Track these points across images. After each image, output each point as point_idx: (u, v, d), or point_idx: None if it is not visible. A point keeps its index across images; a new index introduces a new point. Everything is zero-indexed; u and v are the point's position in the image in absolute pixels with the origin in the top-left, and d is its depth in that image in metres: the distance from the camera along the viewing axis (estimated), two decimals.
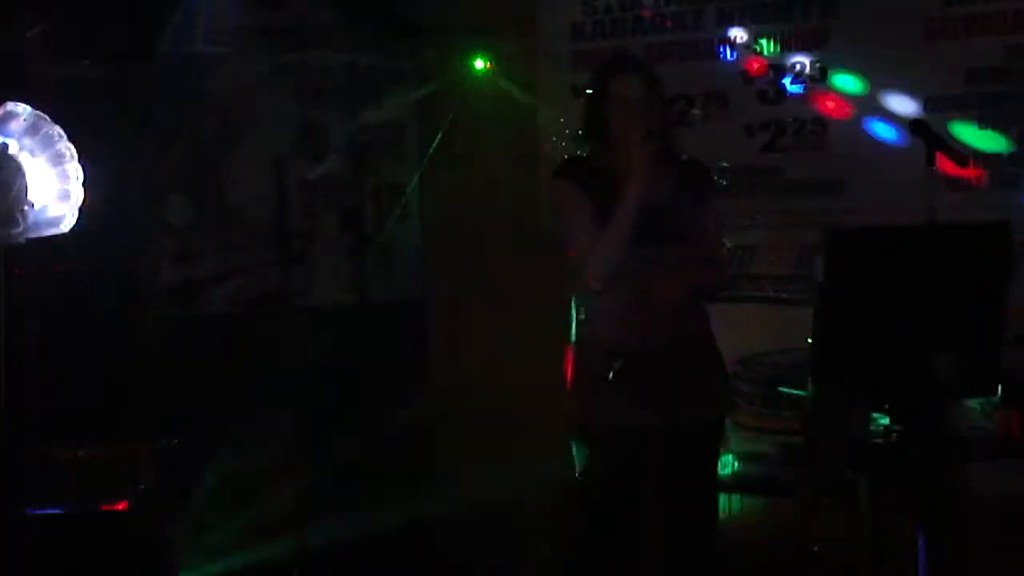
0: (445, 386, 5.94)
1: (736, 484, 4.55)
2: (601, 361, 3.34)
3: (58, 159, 3.41)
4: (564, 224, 3.39)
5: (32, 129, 3.39)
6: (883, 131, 5.07)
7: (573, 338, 3.47)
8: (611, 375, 3.29)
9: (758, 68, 5.33)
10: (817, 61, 5.20)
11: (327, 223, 5.87)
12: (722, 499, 3.57)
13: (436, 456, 5.73)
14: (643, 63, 3.48)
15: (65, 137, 3.46)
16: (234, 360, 5.32)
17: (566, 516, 3.88)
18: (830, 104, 5.20)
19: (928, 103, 4.96)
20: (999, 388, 3.19)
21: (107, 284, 5.21)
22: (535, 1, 5.87)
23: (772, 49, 5.30)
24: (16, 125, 3.38)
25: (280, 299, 5.62)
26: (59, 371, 4.73)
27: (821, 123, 5.25)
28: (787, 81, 5.27)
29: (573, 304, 3.48)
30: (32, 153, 3.38)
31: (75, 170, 3.45)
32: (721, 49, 5.39)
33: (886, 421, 3.19)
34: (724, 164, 5.07)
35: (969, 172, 4.81)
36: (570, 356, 3.45)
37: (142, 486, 4.31)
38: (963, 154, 4.25)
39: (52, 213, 3.44)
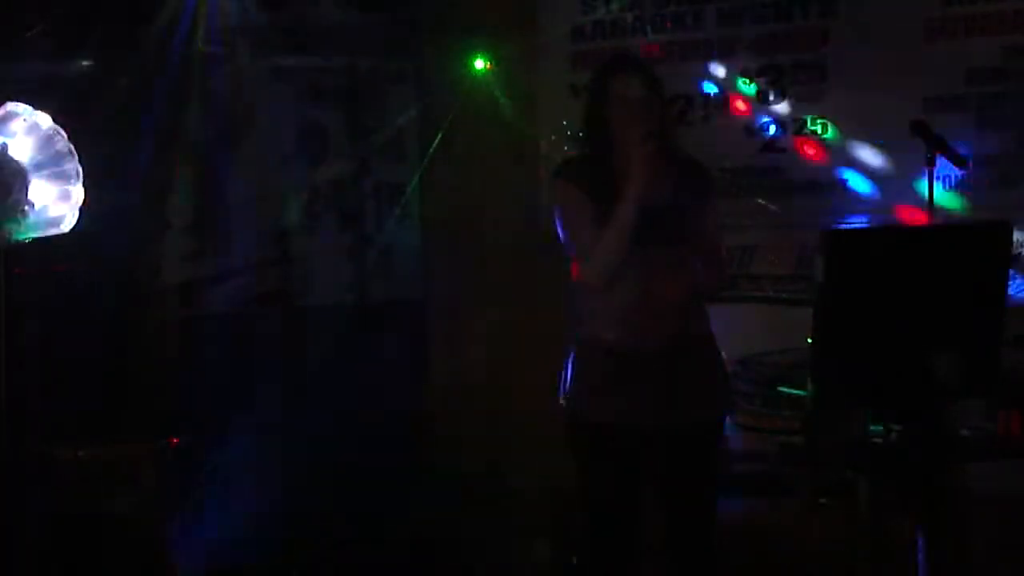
0: (445, 386, 5.93)
1: (736, 484, 4.55)
2: (601, 361, 3.34)
3: (58, 159, 3.42)
4: (564, 224, 3.39)
5: (33, 129, 3.40)
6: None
7: (573, 338, 3.47)
8: (609, 375, 3.29)
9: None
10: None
11: (327, 223, 5.87)
12: (722, 499, 3.56)
13: (436, 456, 5.73)
14: (643, 63, 3.48)
15: (65, 137, 3.47)
16: (234, 360, 5.33)
17: (566, 516, 3.88)
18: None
19: (927, 103, 4.96)
20: (999, 388, 3.19)
21: (107, 284, 5.21)
22: (535, 1, 5.87)
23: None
24: (16, 125, 3.39)
25: (280, 299, 5.63)
26: (59, 371, 4.74)
27: (822, 123, 5.25)
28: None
29: (573, 304, 3.48)
30: (32, 153, 3.39)
31: (75, 170, 3.46)
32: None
33: (886, 421, 3.19)
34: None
35: (968, 172, 4.82)
36: (570, 356, 3.45)
37: (142, 486, 4.31)
38: (962, 154, 4.25)
39: (52, 213, 3.45)
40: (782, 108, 5.33)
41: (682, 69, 5.42)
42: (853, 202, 5.16)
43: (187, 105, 5.52)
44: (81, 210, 3.49)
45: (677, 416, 3.30)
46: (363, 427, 5.49)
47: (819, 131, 5.21)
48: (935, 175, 4.16)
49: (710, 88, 5.42)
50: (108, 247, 5.03)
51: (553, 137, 5.63)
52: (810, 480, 4.16)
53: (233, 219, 5.67)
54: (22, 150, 3.38)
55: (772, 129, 5.32)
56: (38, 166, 3.40)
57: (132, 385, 5.20)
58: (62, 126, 3.49)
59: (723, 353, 3.50)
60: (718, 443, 3.52)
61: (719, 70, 5.42)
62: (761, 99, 5.36)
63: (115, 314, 5.25)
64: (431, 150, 5.79)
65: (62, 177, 3.41)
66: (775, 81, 5.33)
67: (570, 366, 3.44)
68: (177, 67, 5.40)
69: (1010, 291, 3.24)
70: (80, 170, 3.45)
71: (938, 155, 4.07)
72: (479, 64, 5.78)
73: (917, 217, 4.72)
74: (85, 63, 5.25)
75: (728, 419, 3.61)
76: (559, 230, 3.40)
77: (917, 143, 4.15)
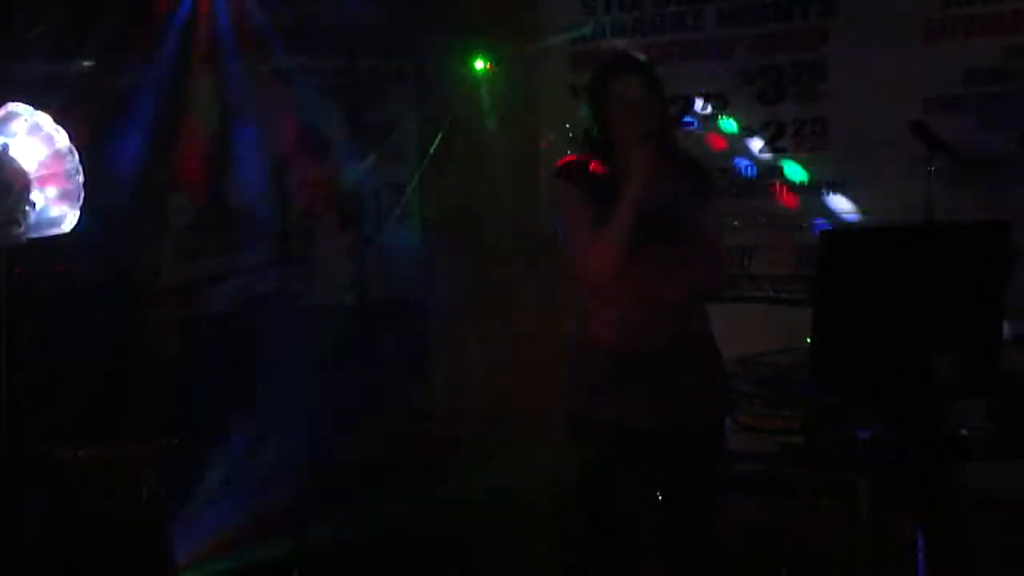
0: (445, 386, 5.94)
1: (736, 484, 4.55)
2: (601, 361, 3.34)
3: (59, 159, 3.42)
4: (564, 224, 3.38)
5: (34, 129, 3.40)
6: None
7: (573, 338, 3.47)
8: (609, 375, 3.29)
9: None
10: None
11: (327, 223, 5.87)
12: (722, 499, 3.56)
13: (436, 456, 5.73)
14: (644, 63, 3.48)
15: (66, 137, 3.47)
16: (234, 360, 5.33)
17: (566, 516, 3.88)
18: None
19: (927, 103, 4.97)
20: (999, 388, 3.19)
21: (107, 284, 5.21)
22: (535, 1, 5.87)
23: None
24: (17, 125, 3.39)
25: (280, 299, 5.63)
26: (59, 371, 4.74)
27: (821, 123, 5.26)
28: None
29: (573, 304, 3.48)
30: (33, 153, 3.39)
31: (76, 170, 3.46)
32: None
33: (886, 421, 3.20)
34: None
35: (967, 172, 4.82)
36: (570, 356, 3.45)
37: (142, 486, 4.31)
38: (961, 154, 4.25)
39: (53, 213, 3.45)
40: (782, 108, 5.34)
41: (682, 69, 5.42)
42: (852, 202, 5.17)
43: (187, 105, 5.52)
44: (81, 210, 3.49)
45: (677, 417, 3.30)
46: (363, 427, 5.49)
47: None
48: (934, 175, 4.17)
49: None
50: (108, 247, 5.03)
51: (553, 137, 5.63)
52: (810, 480, 4.16)
53: (233, 219, 5.67)
54: (23, 150, 3.38)
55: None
56: (39, 166, 3.40)
57: (132, 385, 5.20)
58: (62, 126, 3.49)
59: (723, 353, 3.50)
60: (718, 444, 3.52)
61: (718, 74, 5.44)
62: (760, 100, 5.37)
63: (115, 314, 5.25)
64: (431, 150, 5.79)
65: (63, 177, 3.41)
66: (775, 81, 5.34)
67: (570, 366, 3.44)
68: (177, 67, 5.40)
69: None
70: (81, 170, 3.45)
71: (937, 155, 4.08)
72: (479, 64, 5.78)
73: (916, 217, 4.72)
74: (85, 63, 5.25)
75: (728, 419, 3.60)
76: (559, 230, 3.40)
77: (917, 143, 4.16)
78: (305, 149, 5.85)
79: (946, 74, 4.97)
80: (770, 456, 4.09)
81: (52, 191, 3.42)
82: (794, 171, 5.30)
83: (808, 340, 3.09)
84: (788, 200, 5.29)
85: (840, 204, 5.19)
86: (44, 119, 3.44)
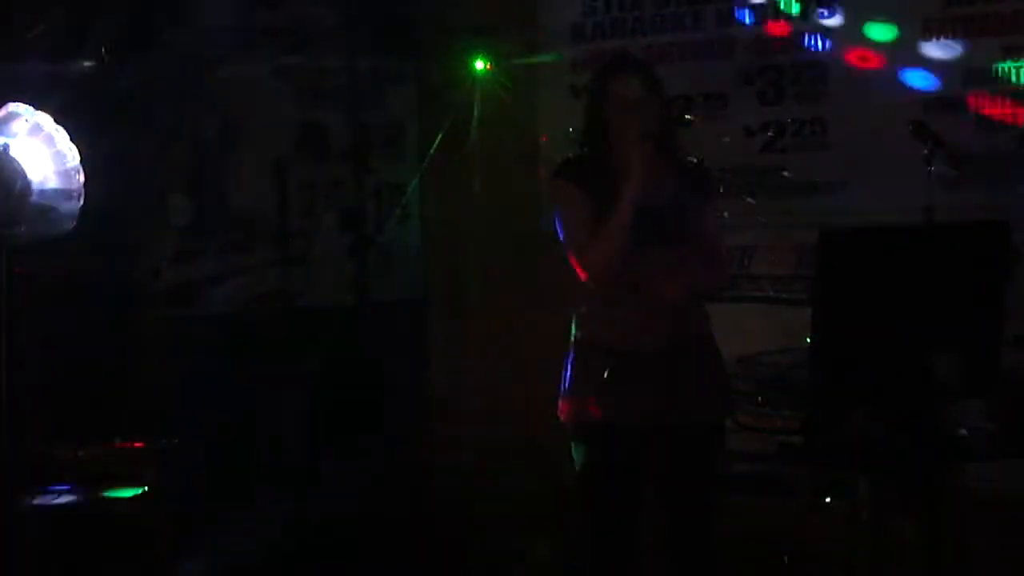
0: (445, 386, 5.94)
1: (736, 484, 4.54)
2: (600, 361, 3.34)
3: (59, 159, 3.42)
4: (563, 224, 3.39)
5: (34, 130, 3.40)
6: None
7: (573, 338, 3.47)
8: (606, 375, 3.29)
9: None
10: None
11: (327, 223, 5.87)
12: (722, 499, 3.56)
13: (436, 456, 5.73)
14: (644, 63, 3.48)
15: (67, 137, 3.47)
16: (234, 360, 5.32)
17: (566, 516, 3.88)
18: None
19: (927, 103, 4.96)
20: (999, 388, 3.19)
21: (107, 284, 5.21)
22: (535, 1, 5.87)
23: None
24: (18, 126, 3.39)
25: (280, 299, 5.63)
26: (59, 371, 4.73)
27: (821, 123, 5.26)
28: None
29: (573, 304, 3.48)
30: (34, 153, 3.39)
31: (76, 170, 3.46)
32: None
33: (886, 421, 3.19)
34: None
35: (967, 172, 4.82)
36: (570, 356, 3.46)
37: (142, 486, 4.31)
38: (961, 154, 4.25)
39: (53, 214, 3.45)
40: (782, 108, 5.33)
41: (682, 69, 5.42)
42: (852, 202, 5.16)
43: (187, 105, 5.52)
44: (81, 210, 3.49)
45: (677, 416, 3.31)
46: (363, 427, 5.49)
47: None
48: (934, 175, 4.17)
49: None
50: (108, 247, 5.03)
51: (553, 137, 5.63)
52: (810, 480, 4.16)
53: (233, 219, 5.67)
54: (23, 150, 3.38)
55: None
56: (39, 166, 3.40)
57: (132, 385, 5.19)
58: (62, 126, 3.49)
59: (723, 353, 3.50)
60: (718, 444, 3.52)
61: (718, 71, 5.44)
62: (760, 100, 5.37)
63: (115, 314, 5.25)
64: (431, 150, 5.79)
65: (63, 177, 3.41)
66: (775, 81, 5.33)
67: (570, 366, 3.44)
68: (177, 67, 5.40)
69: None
70: (81, 170, 3.45)
71: (937, 155, 4.07)
72: (479, 64, 5.78)
73: (916, 217, 4.72)
74: (85, 63, 5.24)
75: (728, 419, 3.61)
76: (558, 230, 3.41)
77: (916, 143, 4.15)
78: (305, 149, 5.85)
79: (946, 74, 4.97)
80: (770, 456, 4.08)
81: (52, 191, 3.42)
82: (794, 170, 5.30)
83: (808, 340, 3.09)
84: (788, 200, 5.29)
85: (840, 204, 5.18)
86: (44, 119, 3.44)
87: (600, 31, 5.71)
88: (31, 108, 3.43)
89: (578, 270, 3.37)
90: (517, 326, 5.55)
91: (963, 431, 3.33)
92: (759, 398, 4.36)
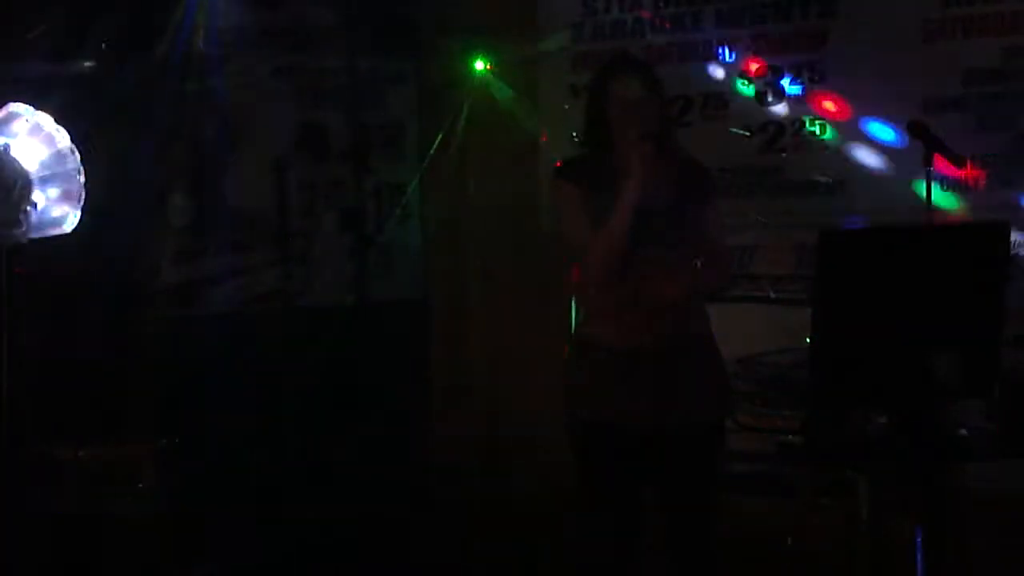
0: (445, 386, 5.94)
1: (736, 484, 4.54)
2: (600, 361, 3.34)
3: (59, 159, 3.42)
4: (564, 225, 3.39)
5: (34, 130, 3.40)
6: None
7: (573, 338, 3.47)
8: (608, 375, 3.30)
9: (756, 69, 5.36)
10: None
11: (327, 223, 5.87)
12: (722, 499, 3.56)
13: (436, 456, 5.73)
14: (644, 64, 3.48)
15: (67, 137, 3.47)
16: (234, 360, 5.33)
17: (566, 516, 3.88)
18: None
19: (926, 104, 4.97)
20: (999, 388, 3.19)
21: (107, 284, 5.22)
22: (535, 1, 5.87)
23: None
24: (19, 126, 3.39)
25: (280, 299, 5.63)
26: (59, 371, 4.74)
27: (821, 123, 5.26)
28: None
29: (573, 304, 3.48)
30: (34, 154, 3.39)
31: (76, 170, 3.46)
32: (719, 50, 5.41)
33: (886, 421, 3.19)
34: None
35: (967, 172, 4.82)
36: (570, 355, 3.46)
37: (142, 486, 4.31)
38: (961, 155, 4.25)
39: (54, 214, 3.45)
40: (781, 109, 5.34)
41: (682, 70, 5.43)
42: (852, 202, 5.17)
43: (187, 105, 5.52)
44: (82, 210, 3.49)
45: (677, 417, 3.31)
46: (363, 427, 5.49)
47: (817, 132, 5.24)
48: (933, 175, 4.17)
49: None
50: (108, 247, 5.03)
51: (553, 137, 5.63)
52: (810, 480, 4.17)
53: (233, 219, 5.67)
54: (24, 151, 3.38)
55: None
56: (39, 167, 3.40)
57: (132, 385, 5.20)
58: (62, 126, 3.49)
59: (723, 353, 3.50)
60: (718, 444, 3.52)
61: (718, 71, 5.44)
62: (760, 100, 5.37)
63: (115, 314, 5.25)
64: (431, 150, 5.79)
65: (63, 177, 3.41)
66: (775, 81, 5.34)
67: (570, 366, 3.44)
68: (177, 67, 5.40)
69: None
70: (81, 170, 3.45)
71: (936, 155, 4.07)
72: (479, 64, 5.79)
73: (916, 217, 4.72)
74: (85, 63, 5.25)
75: (728, 419, 3.61)
76: (559, 230, 3.41)
77: (916, 143, 4.15)
78: (305, 149, 5.85)
79: (945, 74, 4.97)
80: (770, 456, 4.08)
81: (53, 191, 3.42)
82: (793, 171, 5.31)
83: (808, 340, 3.09)
84: (788, 200, 5.29)
85: (840, 204, 5.18)
86: (45, 119, 3.44)
87: (600, 31, 5.71)
88: (31, 108, 3.43)
89: (578, 270, 3.37)
90: (517, 326, 5.56)
91: (963, 431, 3.32)
92: (759, 398, 4.37)
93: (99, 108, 5.02)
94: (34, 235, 3.41)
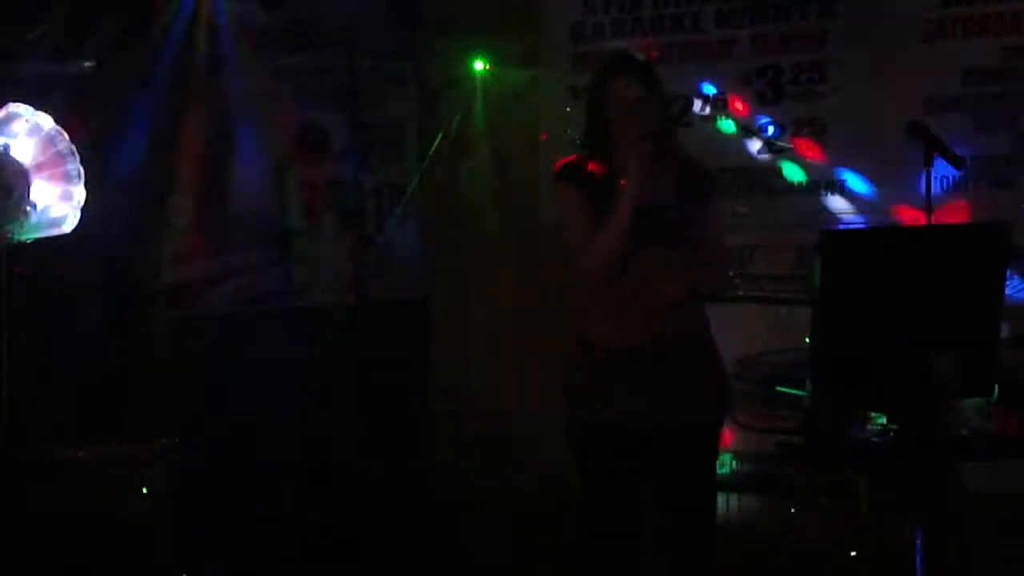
0: (445, 386, 5.94)
1: (736, 484, 4.56)
2: (600, 361, 3.34)
3: (60, 160, 3.42)
4: (564, 225, 3.39)
5: (34, 130, 3.40)
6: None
7: (573, 338, 3.47)
8: (607, 375, 3.30)
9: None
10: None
11: (327, 223, 5.87)
12: (722, 499, 3.56)
13: (435, 455, 5.73)
14: (644, 64, 3.48)
15: (67, 138, 3.47)
16: (233, 360, 5.33)
17: (566, 516, 3.88)
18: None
19: (926, 104, 4.97)
20: (998, 388, 3.19)
21: (107, 284, 5.22)
22: (535, 2, 5.87)
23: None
24: (18, 126, 3.39)
25: (280, 299, 5.63)
26: (59, 371, 4.74)
27: (821, 123, 5.26)
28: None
29: (573, 304, 3.48)
30: (34, 154, 3.39)
31: (76, 170, 3.46)
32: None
33: (886, 421, 3.19)
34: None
35: (966, 173, 4.83)
36: (570, 356, 3.46)
37: (142, 486, 4.31)
38: (960, 155, 4.26)
39: (54, 214, 3.45)
40: (781, 108, 5.34)
41: (681, 70, 5.43)
42: (852, 202, 5.17)
43: (187, 105, 5.52)
44: (82, 210, 3.49)
45: (677, 416, 3.31)
46: (363, 427, 5.49)
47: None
48: (933, 175, 4.17)
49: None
50: (108, 247, 5.03)
51: (553, 137, 5.63)
52: (810, 480, 4.17)
53: (233, 219, 5.67)
54: (24, 151, 3.38)
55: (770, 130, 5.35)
56: (40, 167, 3.40)
57: (132, 385, 5.19)
58: (63, 126, 3.49)
59: (723, 353, 3.50)
60: (718, 444, 3.53)
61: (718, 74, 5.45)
62: (759, 100, 5.38)
63: (115, 314, 5.25)
64: (431, 150, 5.79)
65: (63, 177, 3.41)
66: (775, 81, 5.34)
67: (570, 366, 3.44)
68: (177, 67, 5.40)
69: (1009, 291, 3.24)
70: (81, 170, 3.45)
71: (936, 155, 4.08)
72: (479, 64, 5.79)
73: (915, 217, 4.73)
74: (85, 63, 5.25)
75: (728, 419, 3.61)
76: (559, 230, 3.41)
77: (915, 144, 4.16)
78: (305, 149, 5.85)
79: (945, 74, 4.97)
80: (770, 456, 4.09)
81: (53, 192, 3.42)
82: (793, 171, 5.31)
83: (808, 340, 3.09)
84: (787, 200, 5.30)
85: (840, 204, 5.19)
86: (44, 119, 3.45)
87: (600, 31, 5.71)
88: (31, 108, 3.43)
89: (578, 270, 3.37)
90: (517, 326, 5.56)
91: (963, 431, 3.32)
92: (759, 398, 4.37)
93: (99, 108, 5.02)
94: (34, 235, 3.41)
